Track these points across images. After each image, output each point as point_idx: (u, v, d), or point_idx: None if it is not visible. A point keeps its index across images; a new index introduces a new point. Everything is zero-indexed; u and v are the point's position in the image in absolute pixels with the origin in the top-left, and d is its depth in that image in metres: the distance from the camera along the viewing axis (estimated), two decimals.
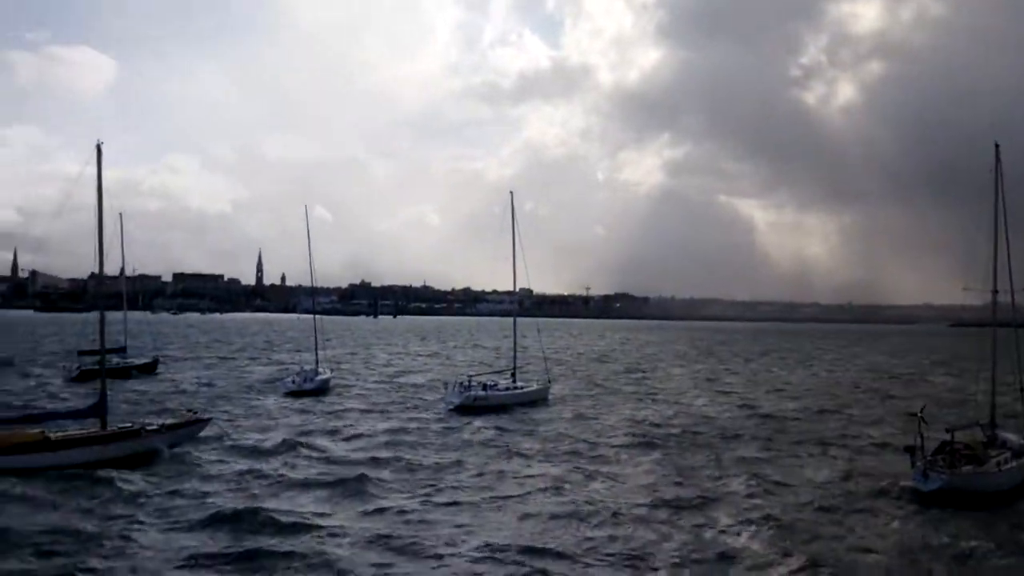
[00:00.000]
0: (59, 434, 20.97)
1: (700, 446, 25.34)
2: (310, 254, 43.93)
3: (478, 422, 29.33)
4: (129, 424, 23.02)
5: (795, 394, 42.84)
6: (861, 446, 25.82)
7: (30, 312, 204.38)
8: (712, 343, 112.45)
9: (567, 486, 19.22)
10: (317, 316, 44.88)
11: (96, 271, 24.37)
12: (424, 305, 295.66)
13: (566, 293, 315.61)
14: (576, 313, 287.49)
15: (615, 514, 16.59)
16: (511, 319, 41.98)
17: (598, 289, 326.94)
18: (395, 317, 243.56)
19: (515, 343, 38.80)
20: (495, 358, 63.13)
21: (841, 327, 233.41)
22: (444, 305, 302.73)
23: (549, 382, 38.60)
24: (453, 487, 19.09)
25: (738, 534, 15.46)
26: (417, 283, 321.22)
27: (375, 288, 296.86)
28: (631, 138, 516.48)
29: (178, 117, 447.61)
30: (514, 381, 36.65)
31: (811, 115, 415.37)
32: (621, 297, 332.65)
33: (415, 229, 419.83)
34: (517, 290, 40.10)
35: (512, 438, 26.40)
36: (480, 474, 20.69)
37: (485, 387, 34.57)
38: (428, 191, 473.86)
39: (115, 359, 44.28)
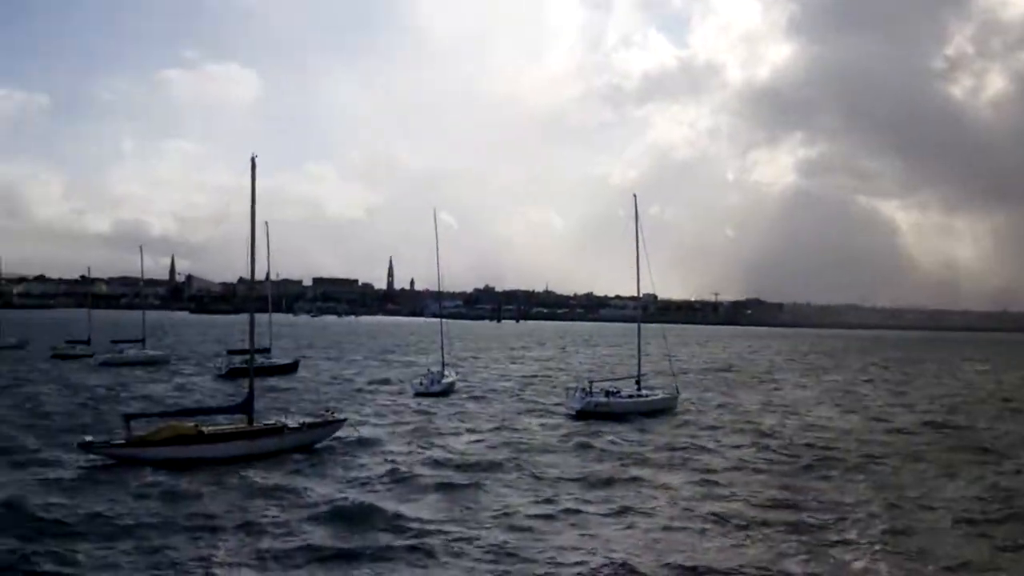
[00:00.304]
0: (211, 428, 22.67)
1: (835, 462, 24.00)
2: (437, 260, 45.28)
3: (600, 428, 29.14)
4: (273, 421, 24.53)
5: (939, 407, 39.84)
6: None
7: (185, 313, 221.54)
8: (851, 352, 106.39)
9: (693, 499, 18.75)
10: (443, 320, 46.20)
11: (248, 276, 26.29)
12: (546, 310, 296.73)
13: (693, 299, 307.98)
14: (704, 320, 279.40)
15: (743, 529, 16.06)
16: (635, 325, 41.45)
17: (727, 295, 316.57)
18: (518, 322, 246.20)
19: (639, 350, 38.23)
20: (616, 364, 62.55)
21: (995, 336, 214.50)
22: (566, 310, 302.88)
23: (677, 390, 37.38)
24: (573, 494, 18.97)
25: (872, 555, 14.60)
26: (540, 288, 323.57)
27: (499, 293, 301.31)
28: (762, 137, 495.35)
29: (316, 127, 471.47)
30: (639, 388, 35.92)
31: (957, 109, 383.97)
32: (752, 303, 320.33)
33: (538, 233, 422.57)
34: (641, 295, 39.55)
35: (635, 447, 25.97)
36: (601, 481, 20.51)
37: (608, 393, 34.18)
38: (552, 195, 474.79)
39: (260, 359, 47.39)
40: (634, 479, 21.02)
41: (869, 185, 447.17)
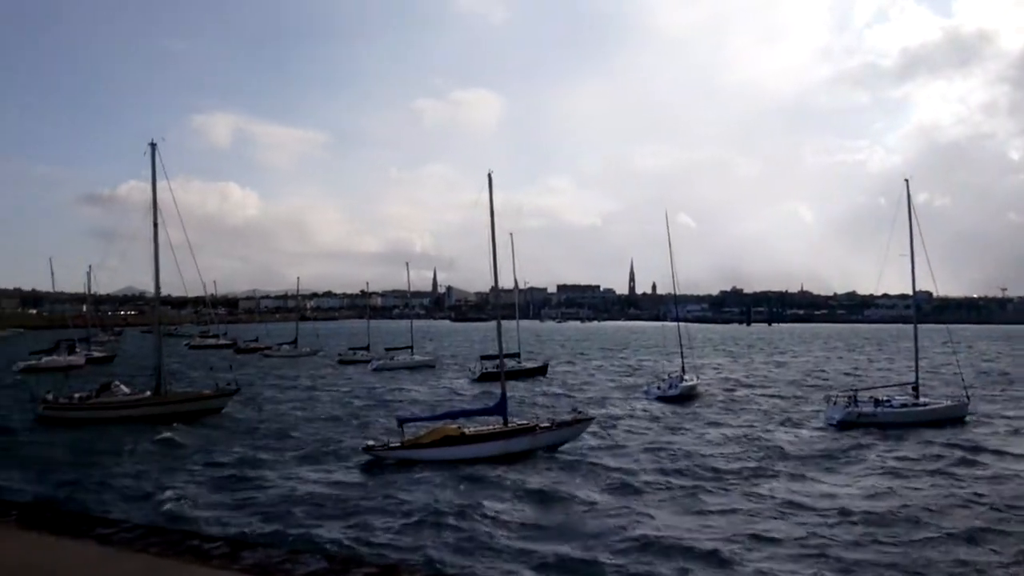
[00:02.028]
0: (472, 430, 24.53)
1: None
2: (671, 262, 45.05)
3: (867, 440, 26.86)
4: (526, 422, 25.94)
5: None
6: None
7: (447, 321, 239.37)
8: None
9: (987, 525, 16.42)
10: (686, 324, 45.58)
11: (493, 285, 28.16)
12: (802, 311, 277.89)
13: (976, 295, 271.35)
14: (989, 318, 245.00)
15: None
16: (907, 326, 37.56)
17: (1016, 289, 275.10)
18: (770, 325, 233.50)
19: (916, 353, 34.53)
20: (886, 370, 57.05)
21: None
22: (824, 311, 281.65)
23: (967, 398, 32.79)
24: (836, 510, 17.58)
25: None
26: (793, 288, 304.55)
27: (747, 295, 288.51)
28: None
29: (554, 140, 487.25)
30: (916, 397, 32.34)
31: None
32: None
33: (787, 230, 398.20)
34: (914, 293, 35.82)
35: (905, 462, 23.52)
36: (872, 496, 18.98)
37: (877, 402, 31.40)
38: (799, 187, 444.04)
39: (511, 363, 50.12)
40: (902, 494, 19.19)
41: None
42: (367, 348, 70.13)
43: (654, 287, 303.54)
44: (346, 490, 19.82)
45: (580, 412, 27.83)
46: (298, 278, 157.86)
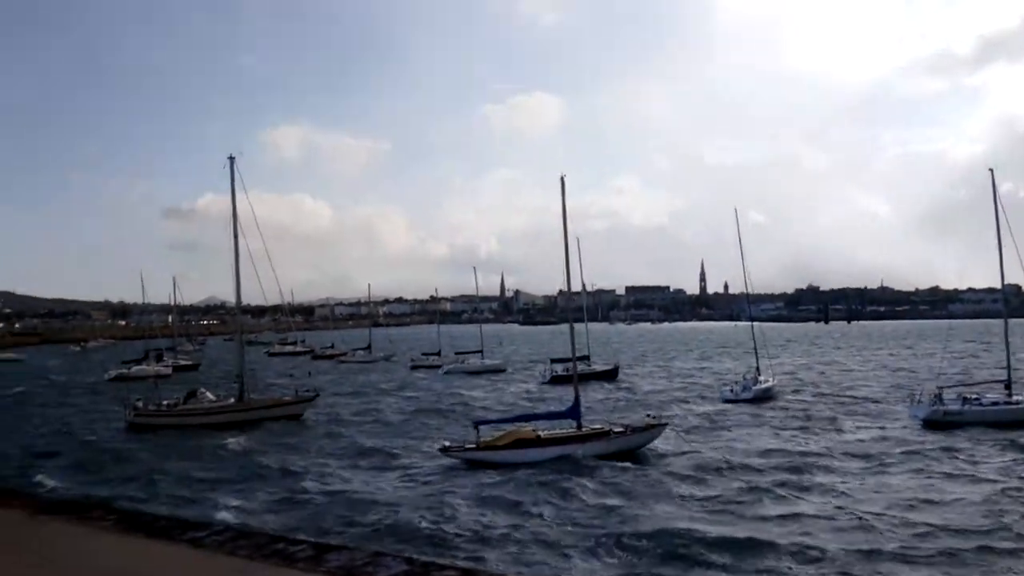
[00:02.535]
0: (547, 433, 24.51)
1: None
2: (742, 260, 44.08)
3: (953, 440, 25.68)
4: (600, 426, 25.79)
5: None
6: None
7: (515, 325, 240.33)
8: None
9: None
10: (760, 324, 44.46)
11: (565, 288, 28.08)
12: (882, 308, 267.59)
13: None
14: None
15: None
16: (995, 321, 35.76)
17: None
18: (848, 323, 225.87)
19: (1007, 348, 32.81)
20: (976, 367, 54.37)
21: None
22: (907, 307, 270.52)
23: None
24: (935, 522, 16.53)
25: None
26: (872, 284, 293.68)
27: (823, 292, 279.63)
28: None
29: (618, 139, 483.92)
30: (1009, 394, 30.72)
31: None
32: None
33: (862, 224, 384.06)
34: (1002, 286, 34.03)
35: (993, 463, 22.40)
36: (960, 501, 18.09)
37: (965, 400, 30.03)
38: (874, 180, 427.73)
39: (581, 366, 49.83)
40: (996, 499, 18.16)
41: None
42: (438, 353, 70.97)
43: (726, 286, 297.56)
44: (423, 491, 20.09)
45: (654, 417, 27.49)
46: (369, 285, 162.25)
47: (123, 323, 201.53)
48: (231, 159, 36.14)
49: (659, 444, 25.41)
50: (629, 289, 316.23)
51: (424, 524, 16.63)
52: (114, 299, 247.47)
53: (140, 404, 34.17)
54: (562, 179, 27.16)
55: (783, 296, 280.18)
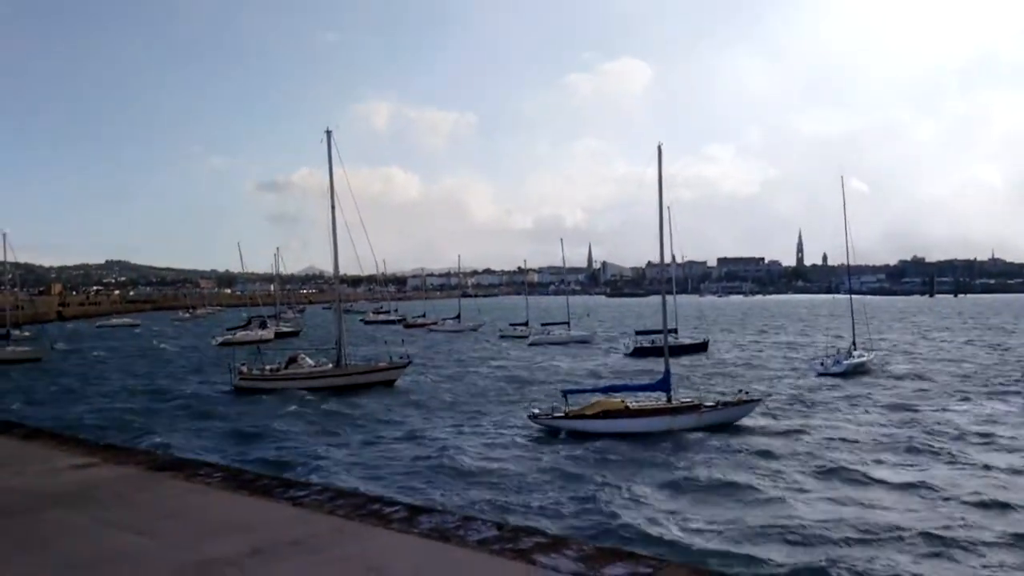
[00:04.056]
0: (636, 404, 24.33)
1: None
2: (846, 231, 42.26)
3: None
4: (690, 400, 25.42)
5: None
6: None
7: (602, 297, 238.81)
8: None
9: None
10: (860, 296, 42.62)
11: (655, 260, 27.71)
12: (992, 281, 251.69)
13: None
14: None
15: None
16: None
17: None
18: (956, 296, 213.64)
19: None
20: None
21: None
22: (1020, 280, 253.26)
23: None
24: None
25: None
26: (982, 255, 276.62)
27: (929, 264, 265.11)
28: None
29: (709, 107, 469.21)
30: None
31: None
32: None
33: (972, 194, 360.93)
34: None
35: None
36: None
37: None
38: (985, 147, 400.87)
39: (669, 338, 49.10)
40: None
41: None
42: (525, 323, 71.44)
43: (824, 258, 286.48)
44: (512, 457, 20.38)
45: (746, 392, 26.83)
46: (459, 256, 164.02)
47: (228, 291, 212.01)
48: (328, 133, 37.03)
49: (750, 419, 24.85)
50: (721, 261, 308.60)
51: (513, 489, 16.85)
52: (220, 269, 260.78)
53: (245, 368, 35.88)
54: (659, 147, 26.70)
55: (885, 268, 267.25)
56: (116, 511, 7.69)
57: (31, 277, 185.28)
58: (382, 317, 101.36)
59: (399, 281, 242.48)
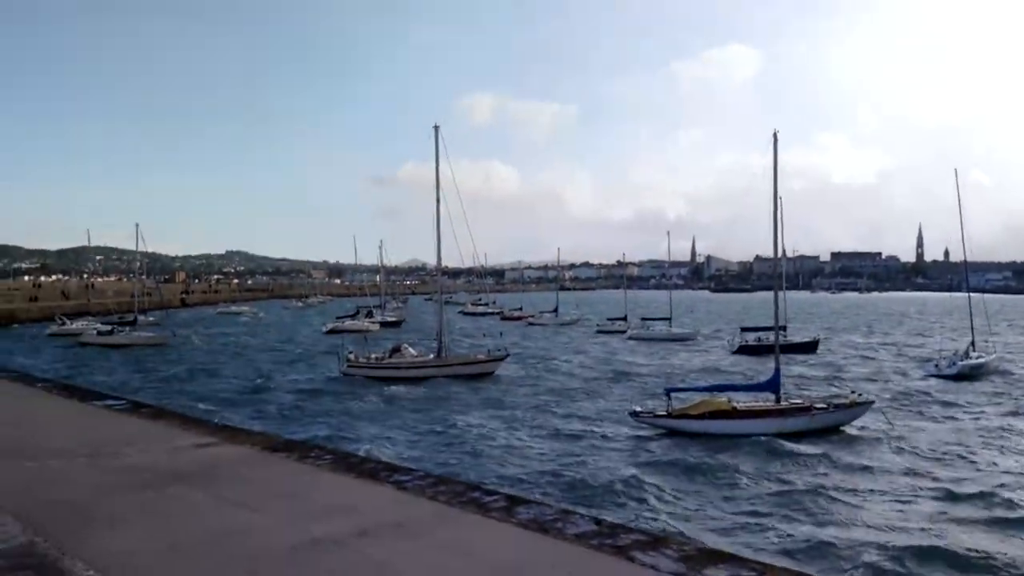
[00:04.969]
0: (744, 405, 23.61)
1: None
2: (961, 225, 39.57)
3: None
4: (799, 401, 24.42)
5: None
6: None
7: (706, 292, 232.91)
8: None
9: None
10: (981, 295, 39.93)
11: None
12: None
13: None
14: None
15: None
16: None
17: None
18: None
19: None
20: None
21: None
22: None
23: None
24: None
25: None
26: None
27: None
28: None
29: (819, 94, 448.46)
30: None
31: None
32: None
33: None
34: None
35: None
36: None
37: None
38: None
39: (772, 336, 47.46)
40: None
41: None
42: (624, 318, 70.56)
43: (946, 253, 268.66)
44: (612, 453, 20.22)
45: (858, 393, 25.55)
46: (558, 249, 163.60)
47: (338, 281, 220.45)
48: (435, 128, 37.75)
49: (862, 423, 23.67)
50: (835, 255, 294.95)
51: (612, 486, 16.72)
52: (331, 260, 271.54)
53: (351, 356, 37.17)
54: (775, 135, 25.76)
55: (1012, 265, 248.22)
56: (233, 489, 8.13)
57: (157, 265, 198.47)
58: (480, 309, 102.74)
59: (497, 273, 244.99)
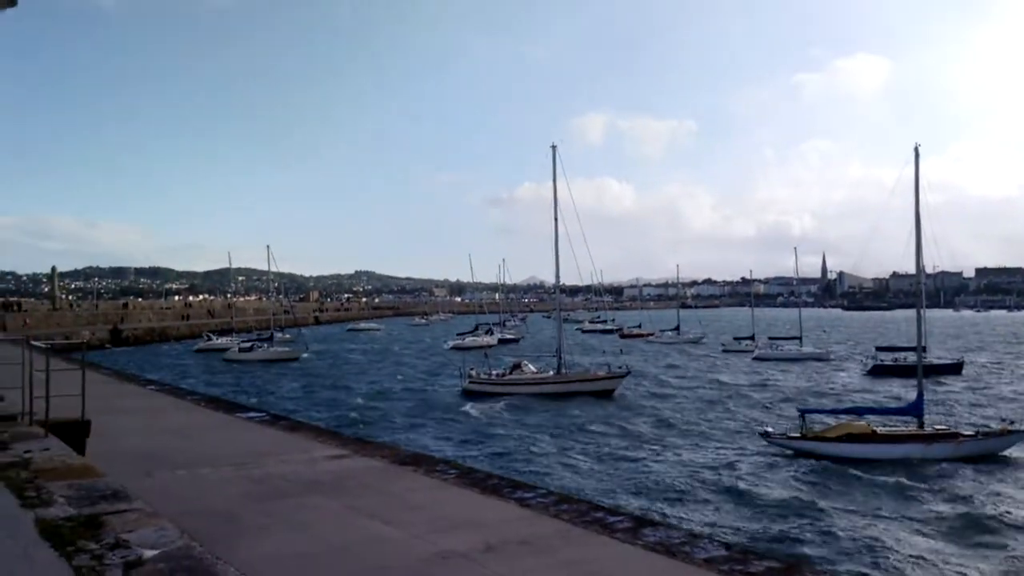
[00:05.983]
0: (885, 429, 22.32)
1: None
2: None
3: None
4: (944, 427, 22.86)
5: None
6: None
7: (838, 310, 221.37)
8: None
9: None
10: None
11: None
12: None
13: None
14: None
15: None
16: None
17: None
18: None
19: None
20: None
21: None
22: None
23: None
24: None
25: None
26: None
27: None
28: None
29: (954, 103, 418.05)
30: None
31: None
32: None
33: None
34: None
35: None
36: None
37: None
38: None
39: (910, 357, 44.44)
40: None
41: None
42: (751, 337, 68.03)
43: None
44: (742, 475, 19.54)
45: (1010, 421, 23.52)
46: (677, 266, 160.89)
47: (459, 299, 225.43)
48: (553, 148, 38.14)
49: (1014, 452, 21.73)
50: (979, 271, 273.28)
51: (742, 511, 16.14)
52: (452, 278, 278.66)
53: (474, 373, 37.86)
54: (916, 149, 24.74)
55: None
56: (365, 500, 8.47)
57: (293, 285, 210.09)
58: (599, 326, 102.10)
59: (615, 291, 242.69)
